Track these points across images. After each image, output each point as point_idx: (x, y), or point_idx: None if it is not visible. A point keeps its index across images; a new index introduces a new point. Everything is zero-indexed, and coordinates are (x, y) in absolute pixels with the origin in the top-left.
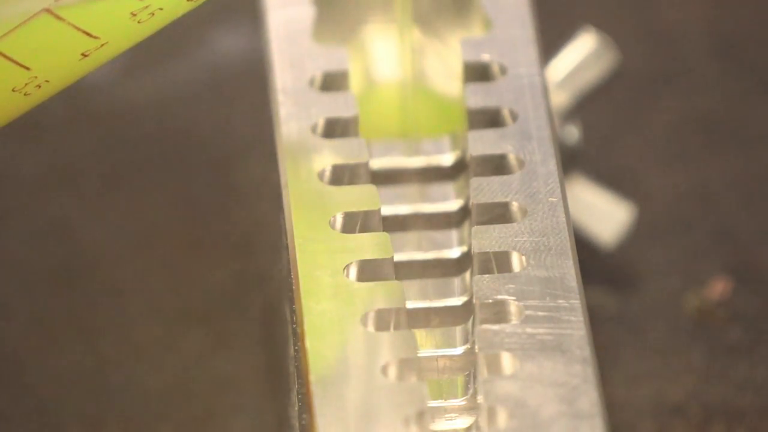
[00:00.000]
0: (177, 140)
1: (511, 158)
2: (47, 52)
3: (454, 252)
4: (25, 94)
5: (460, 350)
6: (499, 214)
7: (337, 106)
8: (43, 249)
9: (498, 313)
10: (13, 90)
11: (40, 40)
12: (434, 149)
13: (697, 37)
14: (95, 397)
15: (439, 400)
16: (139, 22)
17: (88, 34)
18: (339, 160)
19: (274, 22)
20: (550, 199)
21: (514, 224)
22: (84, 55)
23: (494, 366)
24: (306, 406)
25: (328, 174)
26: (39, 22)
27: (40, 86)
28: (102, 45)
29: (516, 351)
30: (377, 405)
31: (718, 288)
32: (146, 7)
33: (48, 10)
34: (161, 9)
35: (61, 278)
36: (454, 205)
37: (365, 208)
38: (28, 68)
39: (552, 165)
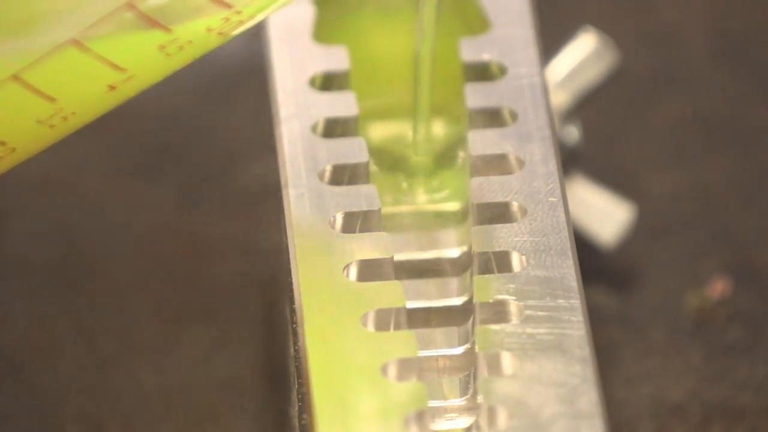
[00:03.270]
0: (177, 140)
1: (511, 158)
2: (73, 84)
3: (454, 252)
4: (50, 126)
5: (460, 350)
6: (499, 214)
7: (337, 106)
8: (43, 249)
9: (498, 313)
10: (38, 121)
11: (66, 71)
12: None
13: (697, 37)
14: (95, 397)
15: (439, 400)
16: (167, 55)
17: (115, 66)
18: (339, 160)
19: (274, 22)
20: (550, 199)
21: (514, 224)
22: (111, 88)
23: (494, 366)
24: (306, 406)
25: (328, 174)
26: (65, 53)
27: (66, 118)
28: (129, 78)
29: (516, 351)
30: (377, 405)
31: (718, 288)
32: (175, 40)
33: (74, 42)
34: (191, 42)
35: (61, 278)
36: (454, 206)
37: (365, 208)
38: (53, 99)
39: (552, 165)
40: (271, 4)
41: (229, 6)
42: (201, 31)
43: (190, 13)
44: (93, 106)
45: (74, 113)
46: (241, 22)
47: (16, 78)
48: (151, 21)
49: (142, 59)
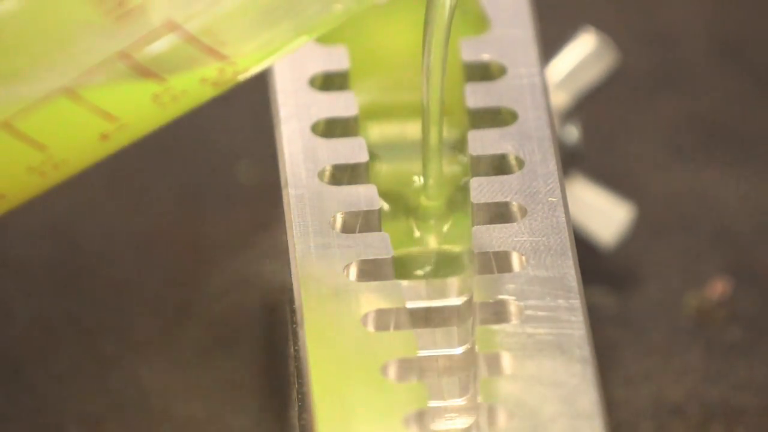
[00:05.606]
0: (177, 140)
1: (511, 158)
2: (64, 132)
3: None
4: (41, 174)
5: (460, 350)
6: (499, 214)
7: (337, 106)
8: (43, 249)
9: (498, 313)
10: (28, 168)
11: (57, 119)
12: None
13: (697, 37)
14: (95, 397)
15: (439, 400)
16: (161, 105)
17: (107, 115)
18: (339, 160)
19: None
20: (550, 199)
21: (514, 224)
22: (103, 137)
23: (494, 366)
24: (306, 406)
25: (328, 174)
26: (57, 101)
27: (56, 166)
28: (121, 127)
29: (516, 351)
30: (377, 405)
31: (718, 288)
32: (168, 89)
33: (67, 90)
34: (185, 92)
35: (61, 278)
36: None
37: (365, 208)
38: (44, 147)
39: (552, 165)
40: (268, 56)
41: (224, 57)
42: (195, 81)
43: (185, 63)
44: (85, 155)
45: (65, 161)
46: (237, 73)
47: (6, 125)
48: (145, 71)
49: (135, 109)
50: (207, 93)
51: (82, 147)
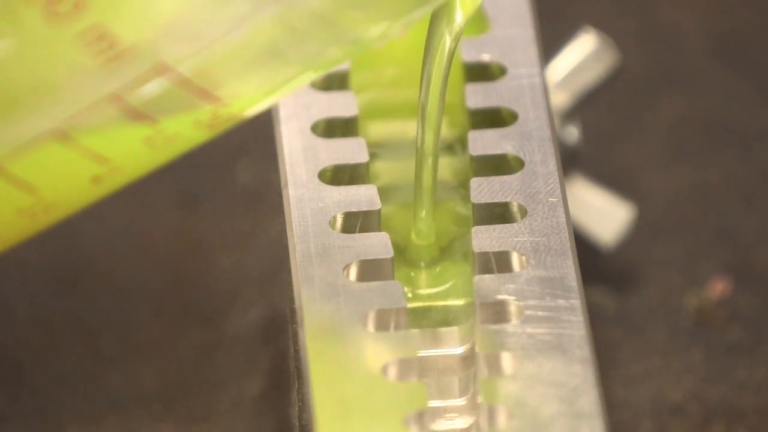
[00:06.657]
0: None
1: (511, 158)
2: (56, 174)
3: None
4: (31, 216)
5: (460, 350)
6: (499, 214)
7: (337, 106)
8: (43, 249)
9: (498, 313)
10: (18, 210)
11: (48, 161)
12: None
13: (697, 37)
14: (95, 397)
15: (439, 400)
16: (153, 147)
17: (98, 158)
18: (339, 160)
19: None
20: (550, 199)
21: (514, 224)
22: (95, 179)
23: (494, 366)
24: (306, 406)
25: (328, 174)
26: (48, 143)
27: (47, 208)
28: (113, 170)
29: (516, 351)
30: (377, 405)
31: (718, 288)
32: (160, 132)
33: (58, 132)
34: (178, 134)
35: (61, 278)
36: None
37: (365, 208)
38: (35, 189)
39: (552, 165)
40: (264, 98)
41: (217, 99)
42: (188, 124)
43: (177, 105)
44: (76, 197)
45: (56, 204)
46: (232, 115)
47: None
48: (136, 113)
49: (127, 151)
50: (201, 135)
51: (73, 189)
